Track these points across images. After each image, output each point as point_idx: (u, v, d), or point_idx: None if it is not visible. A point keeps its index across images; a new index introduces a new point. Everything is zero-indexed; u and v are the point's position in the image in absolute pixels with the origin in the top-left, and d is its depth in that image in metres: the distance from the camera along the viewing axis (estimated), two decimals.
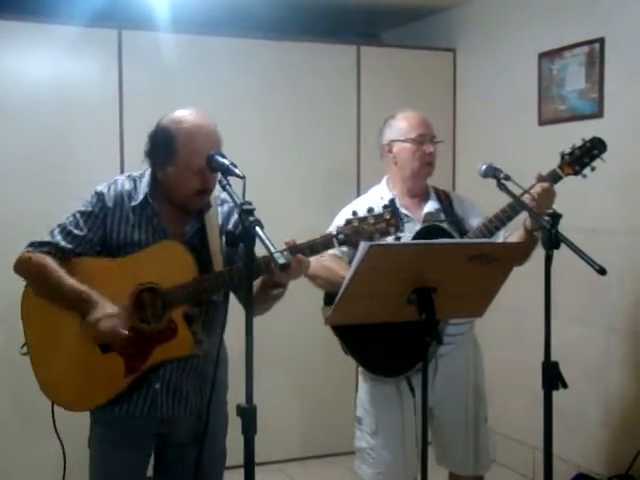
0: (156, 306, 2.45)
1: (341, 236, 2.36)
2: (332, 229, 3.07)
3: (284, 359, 4.97)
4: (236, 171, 2.26)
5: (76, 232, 2.51)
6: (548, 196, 2.88)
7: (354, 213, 2.37)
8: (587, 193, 3.77)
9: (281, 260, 2.00)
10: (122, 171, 4.58)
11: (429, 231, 2.99)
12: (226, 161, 2.31)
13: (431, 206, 3.14)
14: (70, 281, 2.43)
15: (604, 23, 4.19)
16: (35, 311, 2.55)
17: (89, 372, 2.49)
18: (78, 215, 2.55)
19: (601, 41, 4.19)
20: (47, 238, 2.54)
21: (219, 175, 2.31)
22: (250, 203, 2.14)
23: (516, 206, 2.85)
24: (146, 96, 4.62)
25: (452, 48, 5.42)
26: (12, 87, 4.41)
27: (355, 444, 3.24)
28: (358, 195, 4.95)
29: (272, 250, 2.01)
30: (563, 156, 2.97)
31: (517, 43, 4.83)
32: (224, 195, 2.56)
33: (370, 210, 2.37)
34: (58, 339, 2.53)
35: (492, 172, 2.88)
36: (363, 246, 2.30)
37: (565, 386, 2.54)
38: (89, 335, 2.41)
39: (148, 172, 2.61)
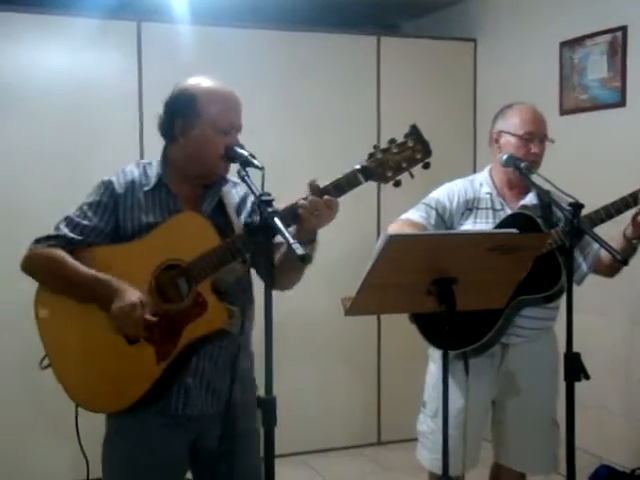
0: (181, 283, 2.32)
1: (367, 170, 2.24)
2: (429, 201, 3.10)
3: (305, 350, 4.97)
4: (255, 162, 2.23)
5: (84, 223, 2.41)
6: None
7: (375, 147, 2.27)
8: (609, 183, 3.73)
9: (300, 251, 1.93)
10: None
11: (516, 219, 2.96)
12: (245, 152, 2.28)
13: (529, 200, 3.07)
14: (85, 270, 2.32)
15: (626, 11, 4.15)
16: (50, 314, 2.42)
17: (119, 367, 2.34)
18: (85, 207, 2.44)
19: (624, 29, 4.15)
20: (52, 232, 2.43)
21: (238, 166, 2.28)
22: (269, 194, 2.11)
23: (613, 208, 2.79)
24: (165, 88, 4.57)
25: (473, 38, 5.39)
26: (30, 80, 4.43)
27: (417, 427, 3.21)
28: (378, 189, 4.98)
29: (291, 241, 1.95)
30: None
31: (538, 32, 4.79)
32: (235, 178, 2.51)
33: (392, 141, 2.26)
34: (79, 339, 2.39)
35: (513, 162, 2.87)
36: (383, 237, 2.28)
37: (587, 377, 2.52)
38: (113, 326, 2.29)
39: (157, 158, 2.52)
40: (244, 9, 5.07)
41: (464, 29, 5.43)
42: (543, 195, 2.79)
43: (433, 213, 3.07)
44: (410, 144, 2.24)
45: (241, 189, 2.56)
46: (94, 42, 4.51)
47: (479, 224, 3.03)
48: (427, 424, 3.13)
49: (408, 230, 2.95)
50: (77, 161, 4.49)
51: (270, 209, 2.05)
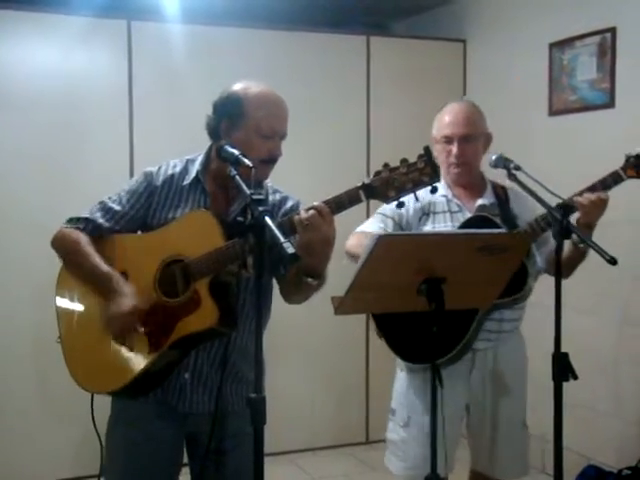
0: (181, 279, 2.37)
1: (369, 188, 2.20)
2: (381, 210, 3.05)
3: (295, 350, 4.97)
4: (245, 160, 2.23)
5: (117, 208, 2.49)
6: (602, 205, 2.79)
7: (385, 165, 2.22)
8: None
9: (290, 250, 1.92)
10: (132, 162, 4.60)
11: (477, 221, 2.94)
12: (235, 151, 2.29)
13: (486, 199, 3.06)
14: (98, 261, 2.42)
15: (616, 13, 4.17)
16: (66, 294, 2.54)
17: (115, 352, 2.41)
18: (123, 193, 2.51)
19: (613, 31, 4.17)
20: (85, 214, 2.51)
21: (229, 166, 2.26)
22: (260, 193, 2.11)
23: (551, 206, 2.70)
24: (155, 86, 4.63)
25: (462, 39, 5.40)
26: (20, 78, 4.43)
27: (387, 435, 3.19)
28: None
29: (281, 240, 1.94)
30: (628, 158, 2.85)
31: (527, 33, 4.80)
32: (277, 186, 2.60)
33: (403, 160, 2.22)
34: (86, 319, 2.49)
35: (502, 162, 2.87)
36: (372, 236, 2.29)
37: (575, 377, 2.53)
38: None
39: (201, 155, 2.56)
40: (234, 8, 5.06)
41: (454, 30, 5.44)
42: (534, 197, 2.77)
43: (390, 222, 3.03)
44: (420, 166, 2.20)
45: (278, 196, 2.59)
46: (84, 40, 4.50)
47: (437, 228, 3.01)
48: (397, 433, 3.10)
49: (367, 242, 2.86)
50: (66, 159, 4.49)
51: (261, 207, 2.05)
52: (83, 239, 2.46)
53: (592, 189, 2.81)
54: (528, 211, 3.06)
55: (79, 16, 4.47)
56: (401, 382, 3.12)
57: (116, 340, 2.40)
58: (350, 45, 5.14)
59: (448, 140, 3.04)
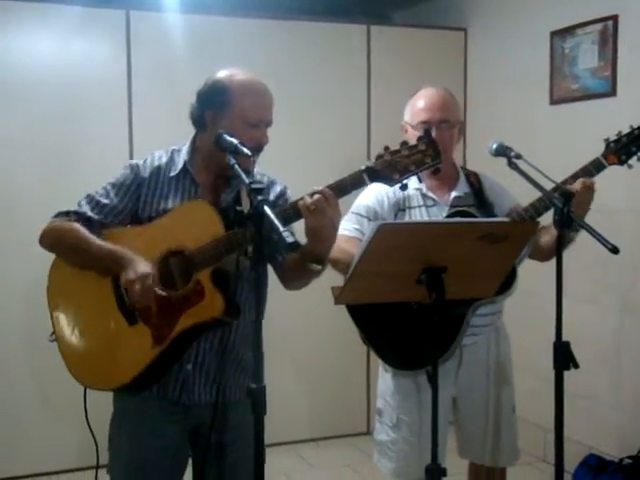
0: (183, 270, 2.35)
1: (373, 171, 2.21)
2: (355, 209, 3.01)
3: (295, 341, 4.97)
4: (244, 149, 2.22)
5: (105, 201, 2.46)
6: (590, 194, 2.75)
7: (386, 147, 2.23)
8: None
9: (290, 239, 1.92)
10: (131, 152, 4.58)
11: (458, 217, 2.90)
12: (234, 140, 2.28)
13: (460, 190, 3.01)
14: (99, 241, 2.38)
15: (617, 0, 4.15)
16: (59, 291, 2.50)
17: (116, 347, 2.40)
18: (109, 186, 2.48)
19: (614, 19, 4.14)
20: (74, 208, 2.48)
21: (228, 155, 2.26)
22: (260, 182, 2.12)
23: (552, 194, 2.64)
24: (154, 77, 4.61)
25: (463, 27, 5.38)
26: (18, 68, 4.41)
27: (375, 436, 3.13)
28: None
29: (280, 229, 1.94)
30: (608, 144, 2.81)
31: (529, 21, 4.78)
32: (273, 177, 2.59)
33: (404, 143, 2.23)
34: (82, 317, 2.46)
35: (503, 151, 2.84)
36: (373, 225, 2.28)
37: (576, 366, 2.51)
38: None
39: (187, 144, 2.54)
40: None
41: (454, 18, 5.42)
42: (533, 185, 2.75)
43: (365, 222, 2.97)
44: (421, 147, 2.23)
45: (266, 179, 2.59)
46: (83, 30, 4.49)
47: None
48: (387, 433, 3.05)
49: (344, 247, 2.82)
50: (64, 149, 4.48)
51: (260, 197, 2.04)
52: (79, 227, 2.42)
53: (574, 177, 2.78)
54: (507, 200, 3.05)
55: (77, 6, 4.45)
56: (387, 383, 3.06)
57: (138, 305, 2.34)
58: (351, 34, 5.12)
59: (426, 126, 2.88)
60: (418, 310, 2.78)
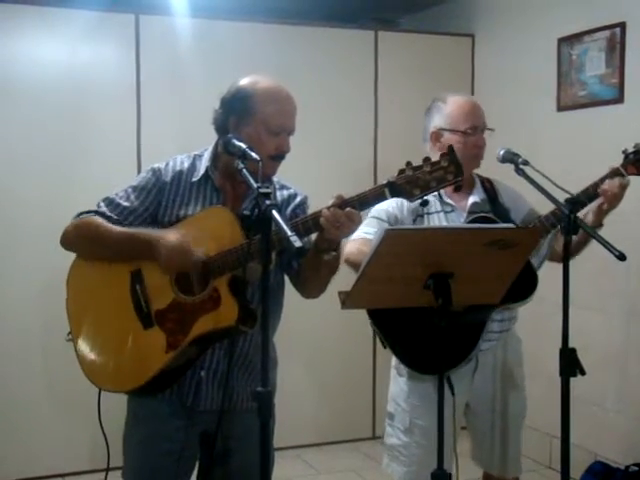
0: (201, 276, 2.34)
1: (394, 187, 2.20)
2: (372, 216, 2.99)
3: (301, 346, 4.96)
4: (252, 154, 2.22)
5: (125, 204, 2.45)
6: (622, 192, 2.77)
7: (408, 163, 2.21)
8: None
9: (297, 243, 1.93)
10: (139, 156, 4.60)
11: (478, 222, 2.88)
12: (242, 144, 2.28)
13: (477, 195, 3.00)
14: (131, 230, 2.38)
15: (625, 7, 4.15)
16: (77, 293, 2.50)
17: (130, 351, 2.40)
18: (130, 189, 2.48)
19: (622, 25, 4.15)
20: (92, 208, 2.48)
21: (237, 160, 2.25)
22: (267, 186, 2.11)
23: (559, 202, 2.68)
24: (163, 81, 4.63)
25: (471, 33, 5.39)
26: (28, 73, 4.43)
27: (385, 441, 3.10)
28: (375, 182, 4.97)
29: (288, 234, 1.95)
30: (627, 155, 2.81)
31: (536, 28, 4.79)
32: (283, 181, 2.58)
33: (426, 159, 2.21)
34: (99, 319, 2.47)
35: (510, 157, 2.84)
36: (379, 231, 2.28)
37: (583, 373, 2.51)
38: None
39: (209, 149, 2.54)
40: (242, 2, 5.07)
41: (462, 24, 5.42)
42: (539, 190, 2.75)
43: (385, 226, 2.94)
44: (444, 164, 2.20)
45: (286, 192, 2.59)
46: (92, 35, 4.51)
47: None
48: (398, 437, 3.02)
49: (365, 249, 2.76)
50: (74, 153, 4.49)
51: (268, 201, 2.04)
52: (98, 219, 2.42)
53: (594, 187, 2.80)
54: (522, 205, 3.05)
55: (87, 10, 4.47)
56: (400, 387, 3.05)
57: (184, 269, 2.32)
58: (358, 40, 5.13)
59: (473, 132, 2.94)
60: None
